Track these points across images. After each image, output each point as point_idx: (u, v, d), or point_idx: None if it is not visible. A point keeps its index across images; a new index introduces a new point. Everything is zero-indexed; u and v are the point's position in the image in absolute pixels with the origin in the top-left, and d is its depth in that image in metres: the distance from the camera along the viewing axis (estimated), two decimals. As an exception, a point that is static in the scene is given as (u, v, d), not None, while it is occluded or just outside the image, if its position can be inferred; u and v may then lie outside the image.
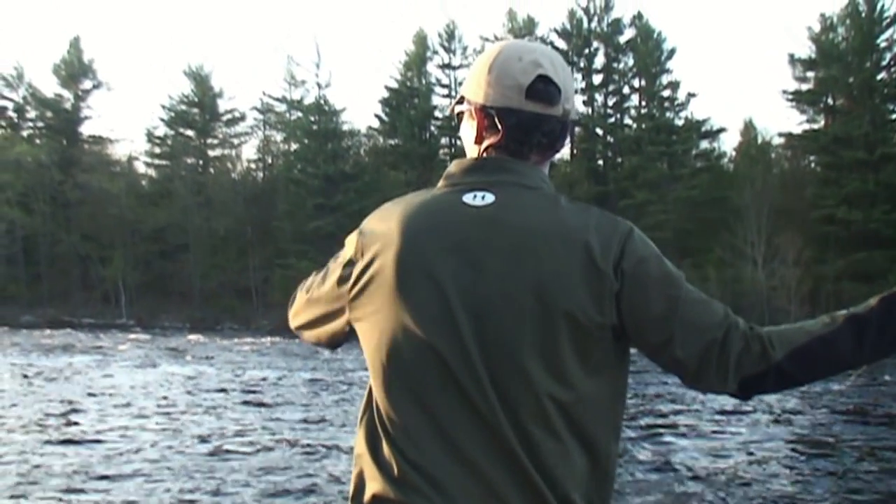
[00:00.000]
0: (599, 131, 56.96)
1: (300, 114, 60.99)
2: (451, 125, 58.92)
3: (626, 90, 56.28)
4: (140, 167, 69.20)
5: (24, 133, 68.37)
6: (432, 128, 59.71)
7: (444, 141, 60.19)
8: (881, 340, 1.64)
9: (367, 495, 1.70)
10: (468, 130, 1.87)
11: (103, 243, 59.14)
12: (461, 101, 1.89)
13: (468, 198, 1.74)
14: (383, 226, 1.77)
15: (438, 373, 1.66)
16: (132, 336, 40.07)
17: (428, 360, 1.67)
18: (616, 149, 56.26)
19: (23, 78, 68.98)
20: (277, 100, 64.36)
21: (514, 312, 1.64)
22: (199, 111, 65.73)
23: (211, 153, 67.09)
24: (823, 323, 1.67)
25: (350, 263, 1.80)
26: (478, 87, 1.82)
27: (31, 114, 69.48)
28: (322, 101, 59.97)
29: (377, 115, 61.21)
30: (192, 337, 40.00)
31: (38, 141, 66.77)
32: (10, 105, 69.41)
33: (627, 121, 56.50)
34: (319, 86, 61.25)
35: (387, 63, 59.22)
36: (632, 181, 50.58)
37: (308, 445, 11.05)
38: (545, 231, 1.67)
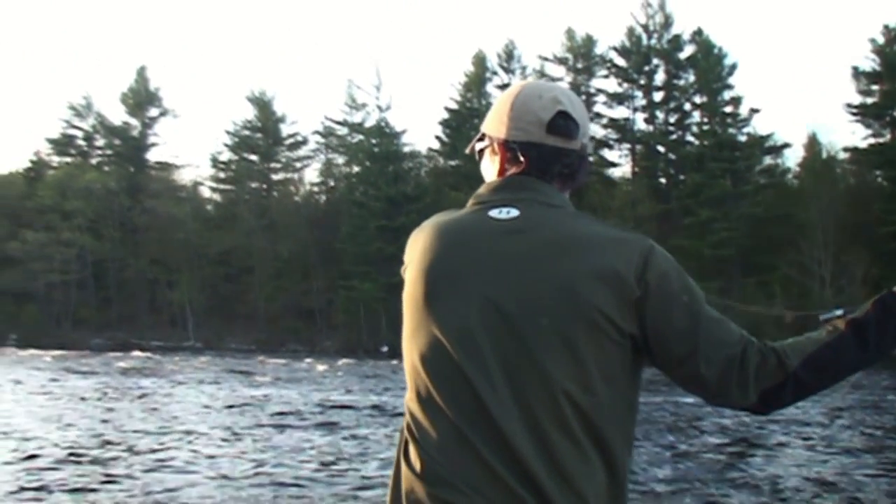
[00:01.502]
0: (661, 149, 56.49)
1: (361, 136, 61.53)
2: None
3: (687, 107, 55.76)
4: (205, 192, 70.48)
5: (94, 161, 70.12)
6: (493, 148, 59.74)
7: (503, 161, 60.15)
8: (882, 339, 1.74)
9: (403, 491, 1.78)
10: (490, 165, 1.95)
11: (170, 267, 60.09)
12: (482, 138, 1.98)
13: (494, 213, 1.82)
14: (416, 244, 1.89)
15: (461, 376, 1.72)
16: (201, 359, 40.61)
17: (451, 363, 1.74)
18: (678, 166, 55.67)
19: (92, 107, 70.87)
20: (339, 123, 65.08)
21: (536, 317, 1.70)
22: (263, 136, 66.72)
23: (274, 177, 67.99)
24: (827, 331, 1.77)
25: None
26: (500, 124, 1.91)
27: (100, 142, 71.27)
28: (383, 124, 60.47)
29: (437, 137, 61.56)
30: (259, 358, 40.43)
31: (106, 168, 68.36)
32: (79, 134, 71.30)
33: (689, 137, 55.89)
34: (380, 108, 61.81)
35: (446, 84, 59.73)
36: (694, 198, 49.95)
37: (383, 465, 11.11)
38: (567, 241, 1.75)
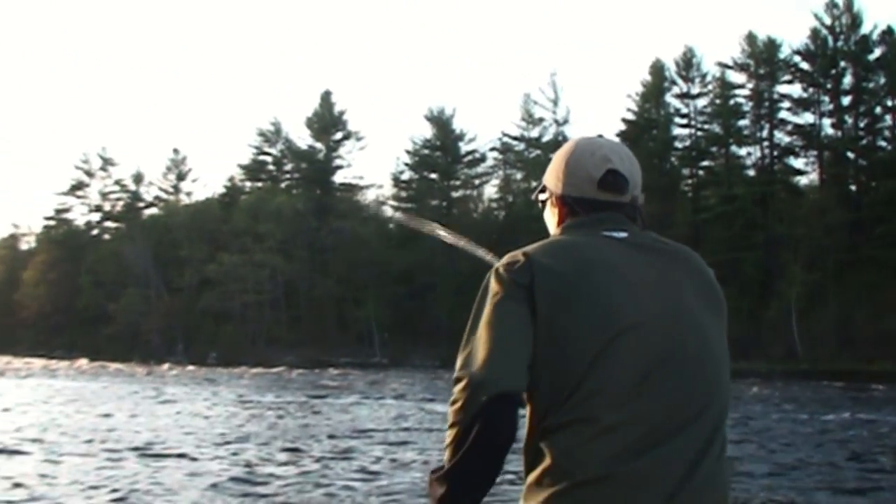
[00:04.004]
0: (851, 155, 53.66)
1: (539, 151, 61.51)
2: (692, 155, 57.49)
3: (878, 110, 52.66)
4: (388, 211, 72.12)
5: (283, 184, 73.09)
6: (672, 158, 58.46)
7: (685, 172, 58.79)
8: None
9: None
10: (551, 216, 2.14)
11: (356, 285, 61.74)
12: (543, 189, 2.15)
13: (609, 233, 1.96)
14: (549, 259, 1.92)
15: (629, 377, 1.78)
16: (386, 374, 41.50)
17: (612, 366, 1.78)
18: (869, 172, 52.73)
19: (280, 132, 73.96)
20: (516, 139, 65.32)
21: (696, 321, 1.88)
22: (442, 154, 67.78)
23: (454, 194, 68.89)
24: None
25: (526, 288, 1.88)
26: (556, 180, 2.09)
27: (288, 166, 74.22)
28: (560, 138, 60.25)
29: (615, 149, 60.64)
30: (445, 374, 40.94)
31: (295, 191, 71.11)
32: (269, 159, 74.56)
33: (881, 142, 52.89)
34: (557, 122, 61.62)
35: (623, 95, 58.88)
36: (888, 206, 47.07)
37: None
38: (677, 254, 1.98)
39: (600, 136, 2.12)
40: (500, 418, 1.73)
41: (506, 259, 1.99)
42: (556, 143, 59.72)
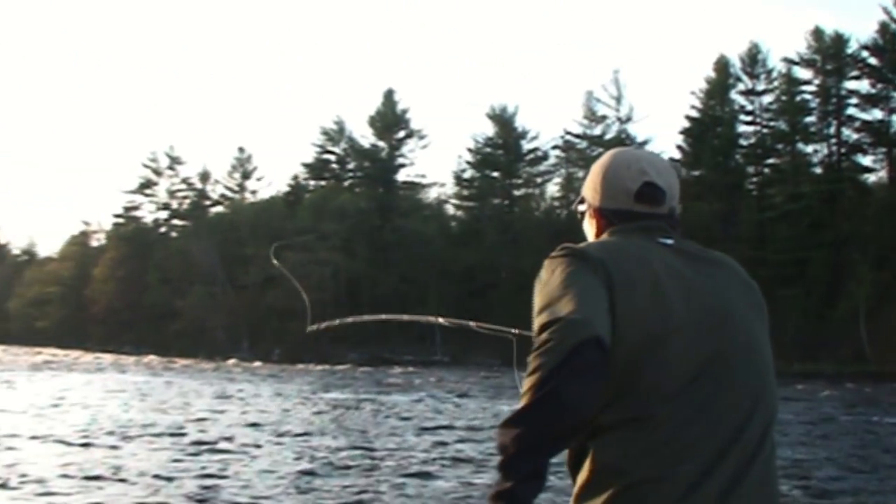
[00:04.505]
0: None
1: (601, 150, 60.87)
2: (758, 153, 56.50)
3: (952, 105, 51.35)
4: (450, 209, 72.29)
5: (346, 183, 73.59)
6: (737, 156, 57.58)
7: (750, 170, 57.89)
8: None
9: None
10: (590, 227, 2.16)
11: (418, 283, 61.93)
12: (582, 201, 2.18)
13: (656, 239, 1.97)
14: (606, 254, 1.88)
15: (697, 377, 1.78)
16: (448, 372, 41.62)
17: (686, 366, 1.78)
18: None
19: (344, 131, 74.49)
20: (578, 137, 64.93)
21: (745, 324, 1.89)
22: (504, 152, 67.67)
23: (516, 192, 68.72)
24: None
25: (600, 266, 1.85)
26: (594, 192, 2.12)
27: (351, 164, 74.73)
28: (623, 136, 59.76)
29: (679, 146, 59.98)
30: (505, 372, 40.88)
31: (357, 189, 71.54)
32: (333, 158, 75.15)
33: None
34: (620, 120, 61.12)
35: (687, 92, 58.04)
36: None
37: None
38: (720, 261, 2.01)
39: (638, 146, 2.20)
40: (592, 368, 1.61)
41: (558, 250, 1.93)
42: (619, 141, 59.25)
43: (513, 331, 2.84)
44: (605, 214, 2.09)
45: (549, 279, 1.85)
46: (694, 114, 58.86)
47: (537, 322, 1.74)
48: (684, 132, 59.11)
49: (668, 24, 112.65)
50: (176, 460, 12.43)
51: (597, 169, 2.14)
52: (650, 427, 1.73)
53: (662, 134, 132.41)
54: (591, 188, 2.14)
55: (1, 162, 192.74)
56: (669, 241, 1.97)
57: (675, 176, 2.13)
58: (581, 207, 2.20)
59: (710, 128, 57.25)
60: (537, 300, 1.83)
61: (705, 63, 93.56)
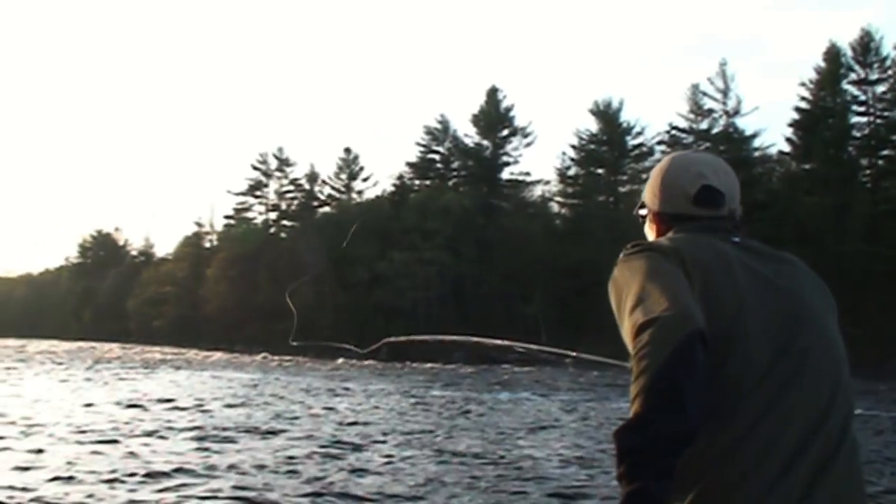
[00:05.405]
0: None
1: (708, 144, 59.86)
2: (871, 144, 54.57)
3: None
4: (554, 207, 71.90)
5: (450, 182, 73.95)
6: (850, 148, 55.70)
7: (863, 162, 55.96)
8: None
9: None
10: (650, 232, 2.17)
11: (523, 282, 61.83)
12: (642, 206, 2.20)
13: (725, 238, 1.97)
14: (680, 245, 1.90)
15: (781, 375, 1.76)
16: (553, 370, 41.47)
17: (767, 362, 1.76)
18: None
19: (448, 130, 74.86)
20: (684, 131, 63.82)
21: (819, 319, 1.87)
22: (608, 148, 67.00)
23: (621, 189, 67.97)
24: None
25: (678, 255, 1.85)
26: (653, 196, 2.14)
27: (456, 163, 75.03)
28: (731, 130, 58.50)
29: (789, 139, 58.36)
30: (609, 370, 40.56)
31: (462, 188, 71.81)
32: (437, 157, 75.61)
33: None
34: (727, 114, 59.83)
35: (796, 83, 56.16)
36: None
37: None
38: (788, 258, 1.99)
39: (697, 150, 2.23)
40: (700, 362, 1.58)
41: (629, 248, 1.93)
42: (727, 135, 58.06)
43: (571, 353, 2.90)
44: (664, 219, 2.11)
45: (629, 277, 1.82)
46: (804, 105, 57.15)
47: (630, 322, 1.71)
48: (794, 124, 57.46)
49: (776, 14, 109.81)
50: (293, 458, 12.64)
51: (655, 173, 2.16)
52: (730, 421, 1.71)
53: (772, 127, 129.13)
54: (650, 192, 2.16)
55: (120, 168, 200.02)
56: (735, 240, 1.97)
57: (735, 178, 2.13)
58: (642, 212, 2.22)
59: (821, 119, 55.46)
60: (626, 300, 1.79)
61: (815, 52, 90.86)
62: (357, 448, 13.68)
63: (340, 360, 52.34)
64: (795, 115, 57.18)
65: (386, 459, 12.49)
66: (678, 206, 2.06)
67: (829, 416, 1.75)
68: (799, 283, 1.91)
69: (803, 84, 57.03)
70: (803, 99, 57.12)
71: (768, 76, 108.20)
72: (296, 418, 18.18)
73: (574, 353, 2.72)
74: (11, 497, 9.16)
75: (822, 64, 56.28)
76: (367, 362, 50.48)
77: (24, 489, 9.61)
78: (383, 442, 14.61)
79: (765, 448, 1.69)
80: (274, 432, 15.53)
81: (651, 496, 1.52)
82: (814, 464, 1.69)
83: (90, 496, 9.38)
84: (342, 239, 69.26)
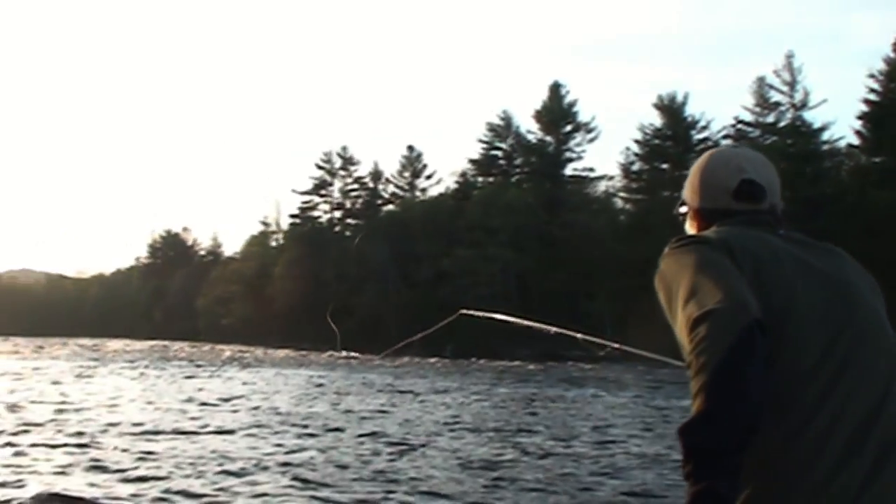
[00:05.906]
0: None
1: (775, 138, 58.92)
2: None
3: None
4: (618, 202, 71.32)
5: (513, 178, 73.79)
6: (922, 140, 54.25)
7: (941, 154, 54.47)
8: None
9: None
10: (691, 230, 2.16)
11: (587, 278, 61.46)
12: (683, 203, 2.20)
13: (768, 230, 1.96)
14: (726, 236, 1.90)
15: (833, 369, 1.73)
16: (620, 368, 41.24)
17: (820, 350, 1.74)
18: None
19: (511, 126, 74.68)
20: (750, 125, 62.88)
21: (869, 306, 1.85)
22: (673, 143, 66.26)
23: (686, 185, 67.11)
24: None
25: (727, 247, 1.84)
26: (693, 193, 2.15)
27: (518, 160, 74.82)
28: (798, 123, 57.48)
29: (858, 132, 57.09)
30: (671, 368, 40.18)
31: (525, 185, 71.60)
32: (500, 154, 75.50)
33: None
34: (794, 107, 58.81)
35: (865, 75, 54.80)
36: None
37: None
38: (832, 248, 1.96)
39: (736, 145, 2.23)
40: (760, 353, 1.56)
41: (675, 241, 1.93)
42: (794, 128, 57.04)
43: (613, 344, 2.96)
44: (704, 215, 2.10)
45: (678, 271, 1.80)
46: (873, 97, 55.90)
47: (685, 316, 1.68)
48: (863, 117, 56.22)
49: (844, 3, 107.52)
50: (360, 455, 12.79)
51: (695, 170, 2.19)
52: (788, 411, 1.68)
53: (840, 120, 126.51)
54: (690, 189, 2.18)
55: (189, 168, 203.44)
56: (780, 232, 1.96)
57: (775, 173, 2.11)
58: (682, 210, 2.23)
59: (891, 111, 54.17)
60: (677, 295, 1.77)
61: (885, 43, 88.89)
62: (425, 444, 13.79)
63: (406, 359, 52.58)
64: (864, 108, 55.95)
65: (456, 456, 12.59)
66: (719, 202, 2.06)
67: (887, 400, 1.70)
68: (846, 272, 1.89)
69: (872, 76, 55.81)
70: (872, 91, 55.90)
71: (837, 68, 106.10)
72: (364, 415, 18.37)
73: (616, 345, 2.82)
74: (91, 494, 9.44)
75: (892, 55, 54.99)
76: (432, 360, 50.70)
77: (96, 486, 9.89)
78: (453, 438, 14.72)
79: (825, 435, 1.65)
80: (342, 429, 15.71)
81: (718, 496, 1.50)
82: (874, 451, 1.65)
83: (166, 491, 9.64)
84: (407, 237, 69.68)
